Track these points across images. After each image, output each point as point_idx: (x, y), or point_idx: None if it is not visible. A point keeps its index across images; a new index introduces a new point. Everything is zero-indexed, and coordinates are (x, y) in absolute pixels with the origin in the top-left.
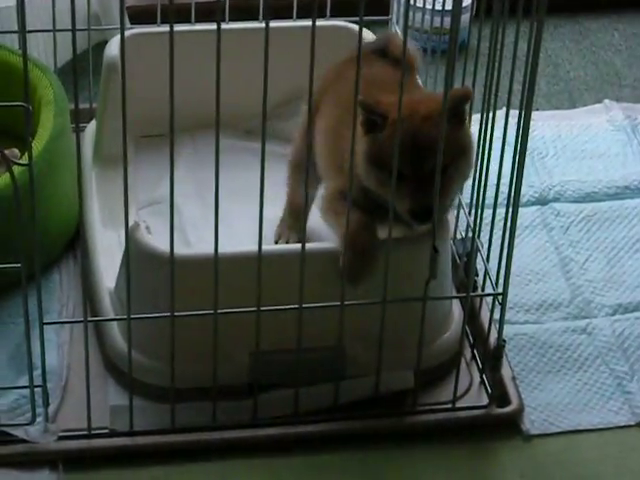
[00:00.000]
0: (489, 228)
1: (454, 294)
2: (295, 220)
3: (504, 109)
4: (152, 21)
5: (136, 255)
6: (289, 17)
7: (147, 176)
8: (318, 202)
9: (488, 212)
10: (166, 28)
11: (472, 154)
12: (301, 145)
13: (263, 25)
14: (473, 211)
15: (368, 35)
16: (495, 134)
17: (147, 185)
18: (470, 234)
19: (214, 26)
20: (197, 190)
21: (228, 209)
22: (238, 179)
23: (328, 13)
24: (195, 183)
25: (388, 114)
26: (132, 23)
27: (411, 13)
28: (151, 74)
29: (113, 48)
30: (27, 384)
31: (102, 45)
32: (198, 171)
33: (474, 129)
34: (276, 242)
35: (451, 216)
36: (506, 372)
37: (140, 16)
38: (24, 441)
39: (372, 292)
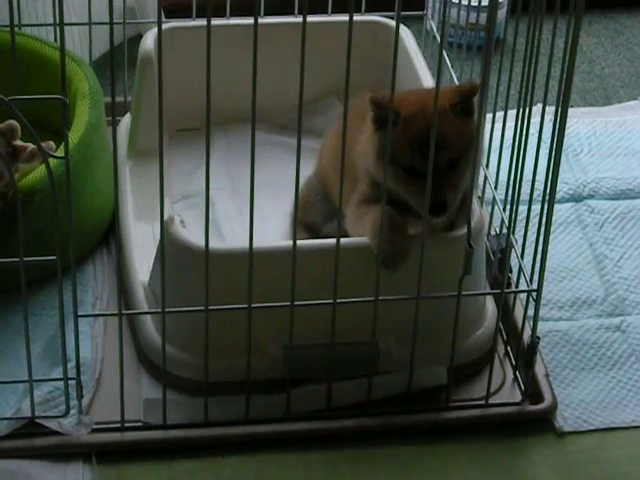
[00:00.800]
0: (524, 224)
1: (488, 290)
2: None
3: (539, 105)
4: (187, 15)
5: (170, 249)
6: (325, 12)
7: (181, 170)
8: (345, 221)
9: (523, 208)
10: (201, 22)
11: (479, 144)
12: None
13: (299, 20)
14: (508, 207)
15: (403, 30)
16: (530, 130)
17: (181, 179)
18: (505, 230)
19: (250, 20)
20: (231, 183)
21: (261, 203)
22: (271, 173)
23: (363, 8)
24: (228, 176)
25: (400, 110)
26: (167, 17)
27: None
28: (186, 68)
29: (149, 42)
30: (61, 376)
31: (137, 39)
32: (232, 164)
33: (510, 125)
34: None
35: (485, 212)
36: (539, 369)
37: (175, 10)
38: (57, 433)
39: (406, 288)
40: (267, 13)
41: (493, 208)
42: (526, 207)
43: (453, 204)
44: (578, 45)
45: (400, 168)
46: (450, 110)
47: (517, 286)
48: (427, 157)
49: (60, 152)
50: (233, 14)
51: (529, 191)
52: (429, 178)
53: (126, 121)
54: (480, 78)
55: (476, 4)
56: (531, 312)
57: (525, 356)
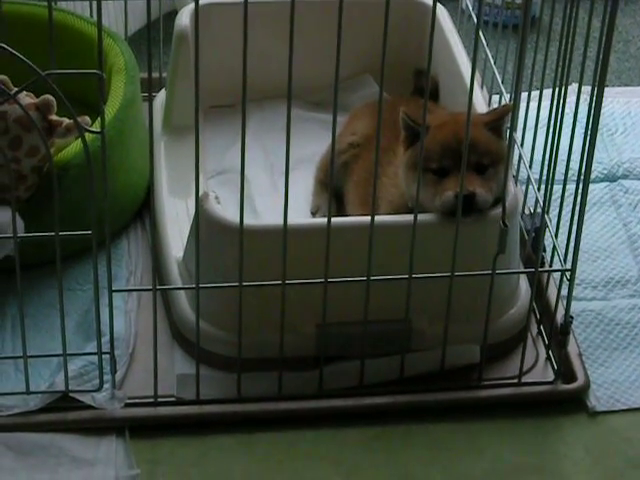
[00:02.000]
0: (558, 204)
1: (522, 269)
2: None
3: (575, 85)
4: None
5: (205, 225)
6: None
7: (215, 146)
8: None
9: (557, 188)
10: None
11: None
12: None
13: None
14: (542, 187)
15: (439, 9)
16: (566, 110)
17: (215, 155)
18: (539, 210)
19: None
20: (265, 158)
21: (296, 179)
22: (306, 149)
23: None
24: (263, 151)
25: (429, 122)
26: None
27: None
28: (220, 45)
29: (184, 18)
30: (95, 351)
31: (172, 15)
32: (266, 140)
33: (545, 104)
34: (313, 214)
35: (520, 191)
36: (572, 348)
37: None
38: (91, 407)
39: (440, 265)
40: None
41: (527, 187)
42: (560, 187)
43: (482, 201)
44: (614, 25)
45: (430, 173)
46: (482, 124)
47: (551, 265)
48: (456, 156)
49: (96, 127)
50: None
51: (564, 171)
52: (464, 156)
53: (161, 97)
54: (516, 63)
55: None
56: (564, 292)
57: (558, 335)
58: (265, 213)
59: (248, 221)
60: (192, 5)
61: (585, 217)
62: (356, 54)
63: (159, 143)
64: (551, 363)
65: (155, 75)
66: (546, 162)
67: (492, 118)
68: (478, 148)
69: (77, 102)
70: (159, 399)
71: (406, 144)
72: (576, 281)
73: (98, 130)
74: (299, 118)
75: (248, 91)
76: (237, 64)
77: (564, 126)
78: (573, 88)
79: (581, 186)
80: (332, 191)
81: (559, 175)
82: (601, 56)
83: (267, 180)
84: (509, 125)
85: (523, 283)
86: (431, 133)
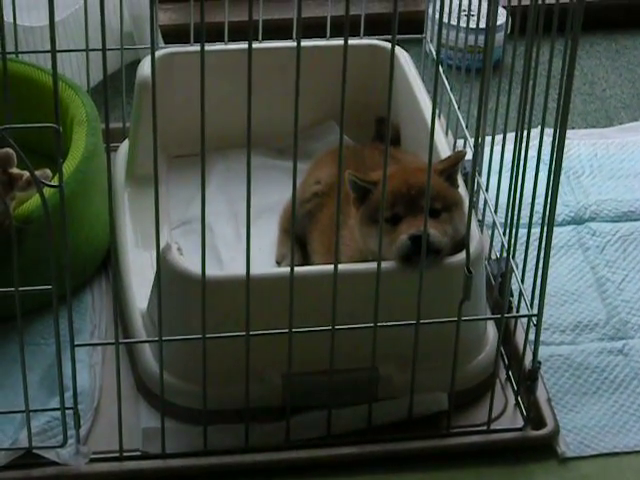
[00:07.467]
0: (524, 248)
1: (489, 315)
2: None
3: (539, 127)
4: (186, 40)
5: (168, 276)
6: (323, 36)
7: (180, 196)
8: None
9: (523, 232)
10: (198, 47)
11: (463, 213)
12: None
13: (296, 44)
14: (508, 231)
15: (401, 54)
16: (530, 153)
17: (180, 205)
18: (505, 254)
19: (247, 45)
20: (229, 208)
21: (260, 227)
22: (270, 197)
23: (362, 32)
24: (227, 201)
25: (375, 178)
26: (166, 42)
27: (445, 31)
28: (184, 93)
29: (146, 67)
30: (58, 406)
31: (136, 64)
32: (230, 189)
33: (509, 147)
34: (278, 263)
35: (486, 236)
36: (541, 394)
37: (174, 34)
38: (55, 464)
39: (406, 313)
40: (265, 37)
41: (493, 232)
42: (526, 230)
43: (436, 242)
44: (579, 66)
45: (384, 222)
46: (435, 171)
47: (518, 310)
48: (407, 202)
49: (56, 180)
50: (232, 39)
51: (529, 214)
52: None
53: (125, 147)
54: (479, 101)
55: (475, 26)
56: (532, 337)
57: (527, 381)
58: (230, 263)
59: (211, 272)
60: (155, 54)
61: (552, 260)
62: (320, 101)
63: (123, 194)
64: (520, 409)
65: (119, 125)
66: (511, 206)
67: (445, 165)
68: (430, 192)
69: (39, 154)
70: (124, 454)
71: (357, 204)
72: (544, 325)
73: (56, 184)
74: (262, 166)
75: (213, 140)
76: (200, 113)
77: (529, 169)
78: (538, 131)
79: (546, 229)
80: (294, 239)
81: (525, 219)
82: (562, 97)
83: (231, 230)
84: (470, 170)
85: (491, 328)
86: (379, 186)
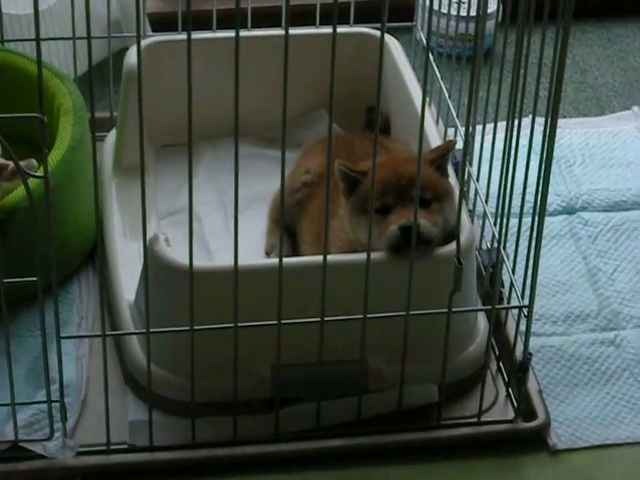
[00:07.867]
0: (515, 238)
1: (479, 306)
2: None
3: (530, 116)
4: (174, 28)
5: (155, 268)
6: (312, 24)
7: (168, 186)
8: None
9: (514, 222)
10: (185, 36)
11: (453, 203)
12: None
13: (284, 32)
14: (499, 221)
15: (392, 42)
16: (521, 142)
17: (168, 195)
18: (496, 245)
19: (234, 33)
20: (218, 197)
21: (249, 216)
22: (259, 187)
23: (352, 20)
24: (216, 191)
25: (365, 168)
26: (154, 30)
27: (436, 19)
28: (171, 82)
29: (133, 56)
30: (45, 399)
31: (124, 53)
32: (219, 178)
33: (500, 136)
34: (268, 254)
35: (477, 227)
36: (532, 385)
37: (162, 23)
38: (42, 457)
39: (396, 305)
40: (254, 25)
41: (484, 222)
42: (517, 220)
43: (426, 232)
44: (570, 55)
45: (374, 213)
46: (426, 161)
47: (509, 301)
48: (397, 192)
49: (42, 171)
50: (221, 27)
51: (520, 204)
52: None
53: (112, 137)
54: (469, 89)
55: (466, 14)
56: (523, 328)
57: (518, 373)
58: (218, 253)
59: (199, 262)
60: (142, 42)
61: (544, 250)
62: (309, 90)
63: (110, 184)
64: (511, 401)
65: (106, 114)
66: (502, 196)
67: (435, 155)
68: (420, 182)
69: (25, 143)
70: (112, 446)
71: (347, 194)
72: (535, 316)
73: (41, 175)
74: (251, 155)
75: (202, 129)
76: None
77: (520, 159)
78: (529, 120)
79: (537, 219)
80: (283, 230)
81: (516, 208)
82: (553, 85)
83: (220, 220)
84: (460, 159)
85: (482, 320)
86: (369, 176)
